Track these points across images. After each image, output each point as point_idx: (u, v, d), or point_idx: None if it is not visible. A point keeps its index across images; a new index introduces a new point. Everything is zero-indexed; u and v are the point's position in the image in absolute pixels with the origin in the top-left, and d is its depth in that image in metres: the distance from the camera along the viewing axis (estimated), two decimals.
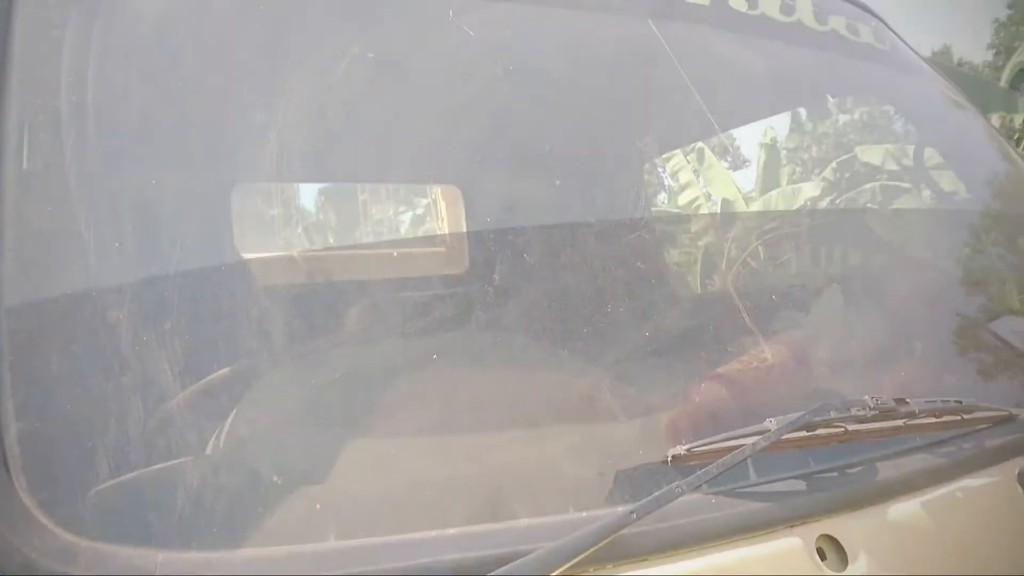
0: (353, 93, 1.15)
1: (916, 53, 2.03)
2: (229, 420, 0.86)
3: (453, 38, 1.15)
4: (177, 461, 0.79)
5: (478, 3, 1.18)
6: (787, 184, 9.59)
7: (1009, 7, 25.04)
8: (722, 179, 9.20)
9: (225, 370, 0.86)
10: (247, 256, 1.23)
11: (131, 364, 0.77)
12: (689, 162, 8.80)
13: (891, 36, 1.94)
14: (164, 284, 0.82)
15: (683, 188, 9.27)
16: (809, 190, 8.73)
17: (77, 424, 0.72)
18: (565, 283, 1.09)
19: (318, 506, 0.78)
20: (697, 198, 9.17)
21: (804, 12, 1.64)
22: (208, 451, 0.83)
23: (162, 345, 0.78)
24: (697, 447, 0.86)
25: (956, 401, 1.02)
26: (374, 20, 1.15)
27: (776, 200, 8.71)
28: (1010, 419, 1.10)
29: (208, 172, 1.15)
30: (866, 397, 0.92)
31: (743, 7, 1.51)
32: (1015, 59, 9.76)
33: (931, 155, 2.22)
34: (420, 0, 1.17)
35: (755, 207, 9.00)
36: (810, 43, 1.63)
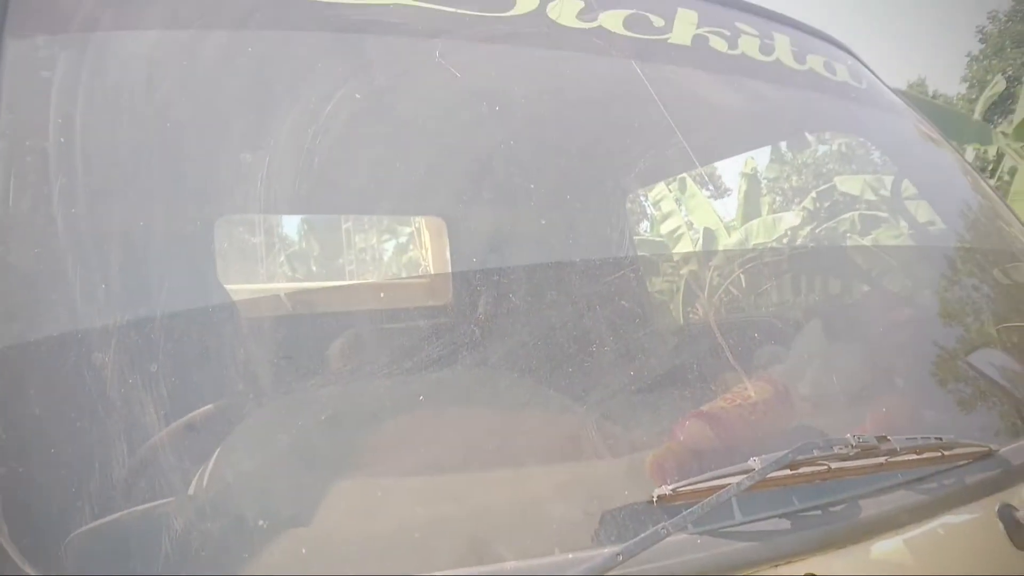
0: (340, 129, 1.16)
1: (891, 89, 2.08)
2: (212, 461, 0.85)
3: (439, 78, 1.17)
4: (160, 503, 0.78)
5: (464, 45, 1.20)
6: (768, 213, 9.70)
7: (981, 42, 25.68)
8: (704, 209, 9.29)
9: (208, 410, 0.86)
10: (232, 295, 1.23)
11: (114, 406, 0.77)
12: (671, 191, 8.89)
13: (867, 74, 1.99)
14: (149, 325, 0.82)
15: (665, 217, 9.35)
16: (790, 219, 8.84)
17: (59, 468, 0.72)
18: (549, 319, 1.10)
19: (303, 549, 0.78)
20: (679, 227, 9.26)
21: (783, 52, 1.68)
22: (191, 493, 0.82)
23: (146, 386, 0.78)
24: (682, 487, 0.86)
25: (936, 438, 1.04)
26: (361, 60, 1.17)
27: (757, 229, 8.81)
28: (989, 455, 1.12)
29: (194, 212, 1.15)
30: (848, 435, 0.93)
31: (723, 47, 1.54)
32: (987, 93, 9.95)
33: (906, 187, 2.26)
34: (407, 41, 1.18)
35: (736, 236, 9.09)
36: (789, 82, 1.66)
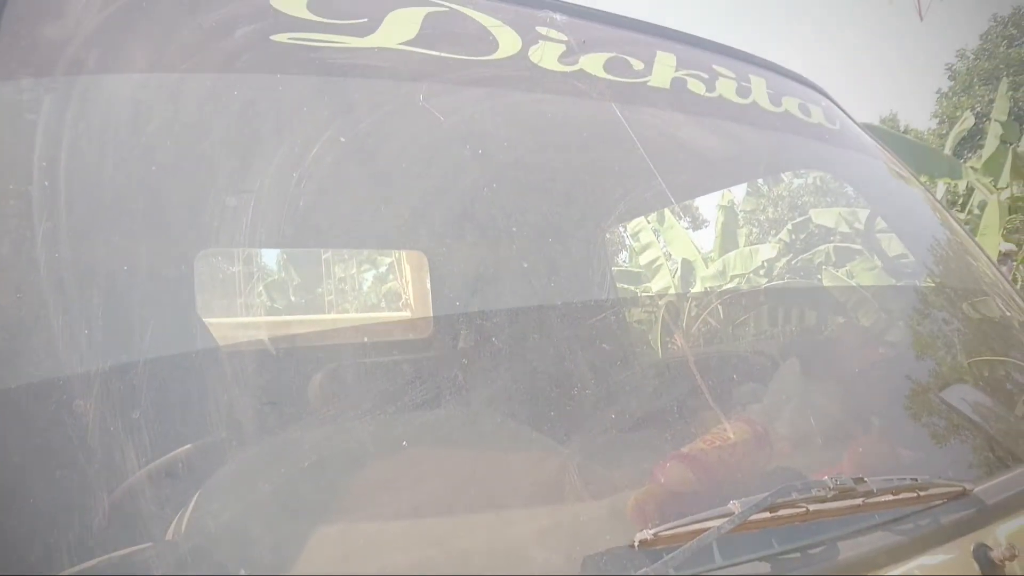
0: (325, 170, 1.17)
1: (864, 127, 2.13)
2: (191, 506, 0.85)
3: (424, 120, 1.18)
4: (139, 548, 0.77)
5: (448, 88, 1.22)
6: (745, 245, 9.81)
7: (950, 79, 26.32)
8: (682, 241, 9.37)
9: (186, 454, 0.85)
10: (214, 332, 1.22)
11: (94, 451, 0.76)
12: (650, 222, 8.97)
13: (840, 115, 2.04)
14: (131, 371, 0.82)
15: (644, 248, 9.43)
16: (766, 251, 8.93)
17: (38, 516, 0.71)
18: (529, 361, 1.10)
19: None
20: (658, 258, 9.33)
21: (759, 94, 1.72)
22: (170, 538, 0.81)
23: (126, 431, 0.78)
24: (663, 531, 0.87)
25: (912, 478, 1.05)
26: (346, 103, 1.18)
27: (734, 261, 8.90)
28: (964, 495, 1.13)
29: (176, 254, 1.15)
30: (826, 478, 0.94)
31: (701, 90, 1.57)
32: (957, 129, 10.20)
33: (879, 223, 2.31)
34: (392, 84, 1.19)
35: (714, 267, 9.17)
36: (765, 124, 1.70)
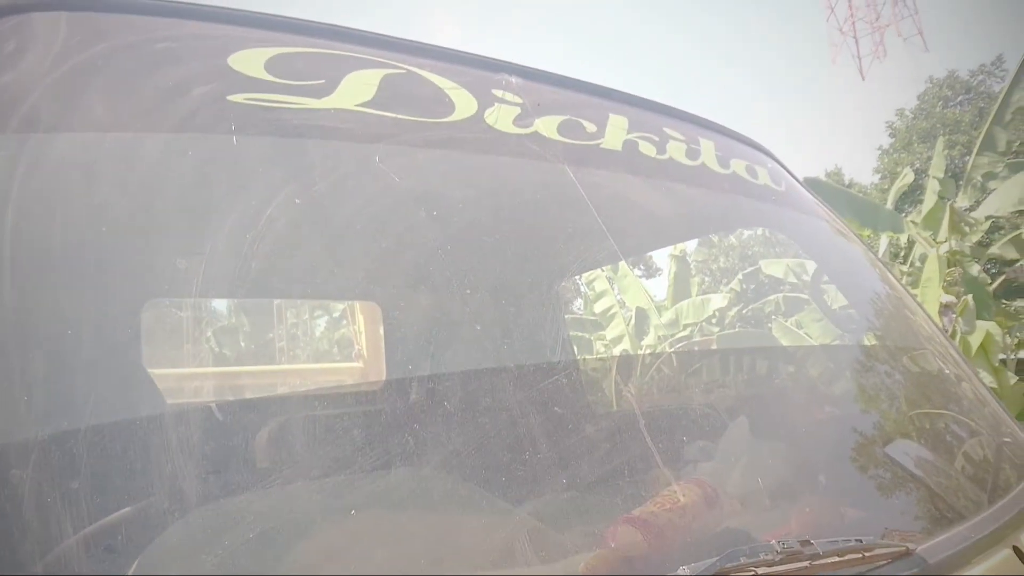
0: (277, 232, 1.16)
1: (808, 186, 2.21)
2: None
3: (380, 181, 1.19)
4: None
5: (404, 150, 1.23)
6: (697, 294, 9.99)
7: (891, 136, 27.41)
8: (636, 291, 9.50)
9: (127, 524, 0.83)
10: (161, 401, 1.20)
11: (31, 524, 0.73)
12: (604, 271, 9.09)
13: (786, 176, 2.11)
14: (71, 438, 0.80)
15: (599, 297, 9.53)
16: (717, 301, 9.09)
17: None
18: (480, 425, 1.10)
19: None
20: (612, 307, 9.43)
21: (708, 156, 1.78)
22: None
23: (64, 503, 0.75)
24: None
25: (857, 540, 1.07)
26: (301, 163, 1.19)
27: (687, 310, 9.04)
28: (908, 554, 1.15)
29: (124, 315, 1.13)
30: (773, 541, 0.95)
31: (652, 152, 1.62)
32: (898, 184, 10.61)
33: (824, 276, 2.38)
34: (347, 145, 1.21)
35: (667, 316, 9.30)
36: (714, 185, 1.75)
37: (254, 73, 1.15)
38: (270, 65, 1.18)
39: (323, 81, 1.21)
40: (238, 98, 1.12)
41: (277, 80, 1.16)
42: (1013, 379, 7.09)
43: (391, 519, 1.00)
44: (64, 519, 0.75)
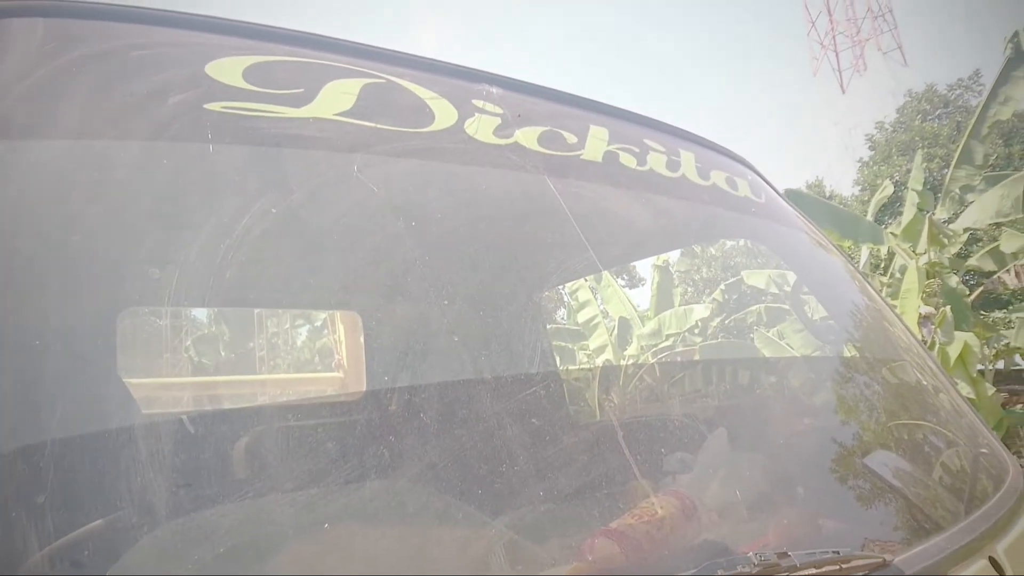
0: (253, 242, 1.16)
1: (787, 200, 2.22)
2: None
3: (358, 192, 1.19)
4: None
5: (383, 160, 1.23)
6: (680, 304, 10.02)
7: (870, 149, 27.70)
8: (619, 301, 9.52)
9: (94, 540, 0.81)
10: (134, 412, 1.18)
11: None
12: (587, 281, 9.11)
13: (766, 188, 2.12)
14: (38, 452, 0.78)
15: (582, 307, 9.54)
16: (700, 311, 9.12)
17: None
18: (459, 436, 1.10)
19: None
20: (595, 317, 9.44)
21: (688, 168, 1.78)
22: None
23: (29, 519, 0.74)
24: None
25: (834, 551, 1.07)
26: (278, 173, 1.18)
27: (669, 320, 9.07)
28: (884, 565, 1.15)
29: (98, 324, 1.12)
30: (750, 553, 0.95)
31: (633, 164, 1.62)
32: (878, 196, 10.72)
33: (804, 287, 2.39)
34: (325, 155, 1.20)
35: (650, 326, 9.32)
36: (694, 197, 1.75)
37: (232, 81, 1.14)
38: (248, 73, 1.17)
39: (302, 90, 1.20)
40: (215, 106, 1.11)
41: (255, 88, 1.16)
42: (991, 390, 7.17)
43: (368, 532, 0.99)
44: (29, 535, 0.73)
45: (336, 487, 1.01)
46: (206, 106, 1.10)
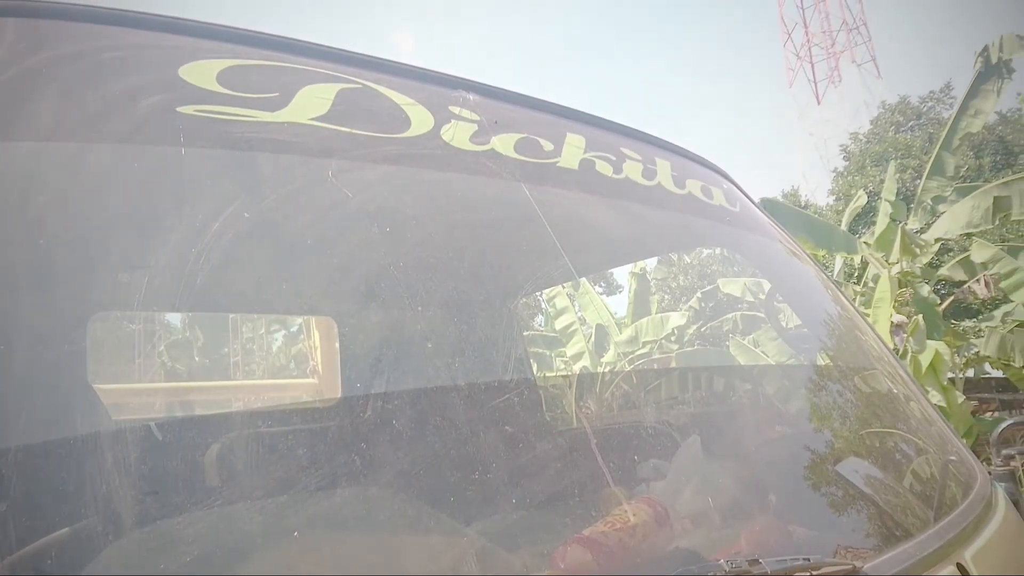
0: (226, 246, 1.14)
1: (762, 210, 2.24)
2: None
3: (333, 196, 1.18)
4: None
5: (358, 165, 1.22)
6: (657, 312, 10.07)
7: (845, 159, 28.06)
8: (596, 308, 9.55)
9: (59, 548, 0.80)
10: (103, 418, 1.16)
11: None
12: (564, 288, 9.13)
13: (741, 197, 2.14)
14: (6, 457, 0.77)
15: (560, 313, 9.56)
16: (676, 319, 9.17)
17: None
18: (431, 443, 1.09)
19: None
20: (573, 323, 9.46)
21: (664, 176, 1.79)
22: None
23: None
24: None
25: (804, 558, 1.07)
26: (253, 177, 1.17)
27: (646, 327, 9.11)
28: (854, 572, 1.16)
29: (69, 328, 1.10)
30: (721, 561, 0.96)
31: (609, 172, 1.63)
32: (852, 206, 10.86)
33: (778, 295, 2.41)
34: (300, 159, 1.19)
35: (627, 333, 9.35)
36: (669, 205, 1.76)
37: (206, 84, 1.14)
38: (223, 77, 1.16)
39: (277, 94, 1.19)
40: (189, 110, 1.10)
41: (230, 92, 1.15)
42: (961, 398, 7.28)
43: (340, 539, 0.98)
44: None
45: (308, 494, 1.01)
46: (179, 109, 1.09)
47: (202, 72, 1.15)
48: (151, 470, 1.01)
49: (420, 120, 1.33)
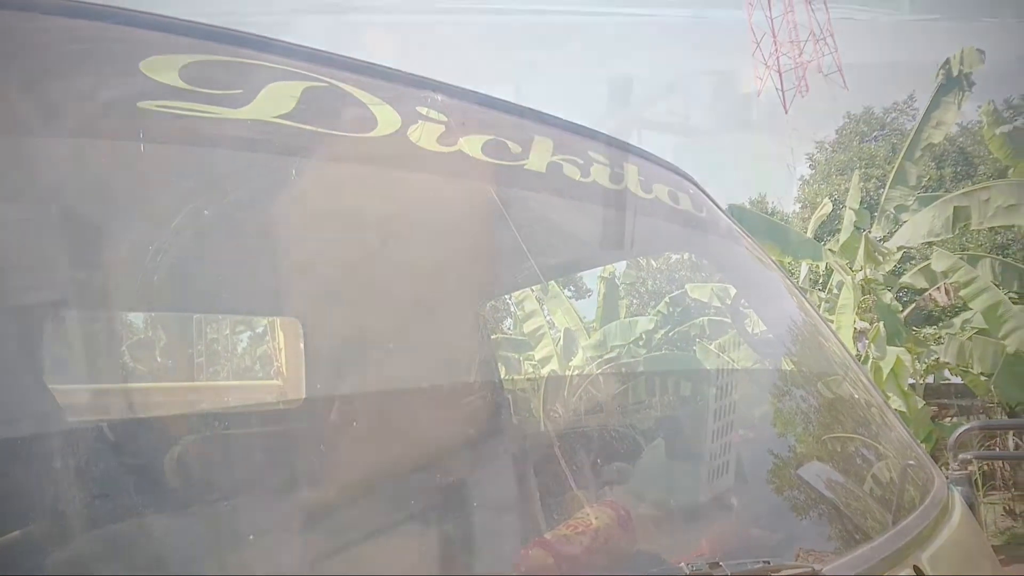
0: (190, 237, 1.13)
1: (728, 215, 2.27)
2: None
3: (296, 195, 1.17)
4: None
5: (323, 164, 1.21)
6: (625, 316, 10.12)
7: (811, 168, 28.53)
8: (565, 311, 9.57)
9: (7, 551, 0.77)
10: (58, 420, 1.14)
11: None
12: (533, 291, 9.14)
13: (707, 202, 2.16)
14: None
15: (528, 317, 9.55)
16: (644, 323, 9.23)
17: None
18: (394, 443, 1.08)
19: None
20: (541, 327, 9.46)
21: (631, 181, 1.80)
22: None
23: None
24: None
25: (764, 561, 1.08)
26: (214, 171, 1.15)
27: (615, 331, 9.15)
28: (814, 575, 1.18)
29: (24, 327, 1.08)
30: (682, 564, 0.96)
31: (576, 175, 1.63)
32: (817, 214, 11.03)
33: (743, 301, 2.44)
34: (263, 157, 1.17)
35: (595, 337, 9.38)
36: (636, 209, 1.77)
37: (167, 80, 1.11)
38: (185, 72, 1.14)
39: (241, 91, 1.17)
40: (149, 105, 1.07)
41: (192, 88, 1.12)
42: (921, 403, 7.42)
43: (299, 542, 0.97)
44: None
45: (267, 496, 0.99)
46: (140, 104, 1.07)
47: (164, 67, 1.12)
48: (104, 472, 0.99)
49: (387, 120, 1.32)
